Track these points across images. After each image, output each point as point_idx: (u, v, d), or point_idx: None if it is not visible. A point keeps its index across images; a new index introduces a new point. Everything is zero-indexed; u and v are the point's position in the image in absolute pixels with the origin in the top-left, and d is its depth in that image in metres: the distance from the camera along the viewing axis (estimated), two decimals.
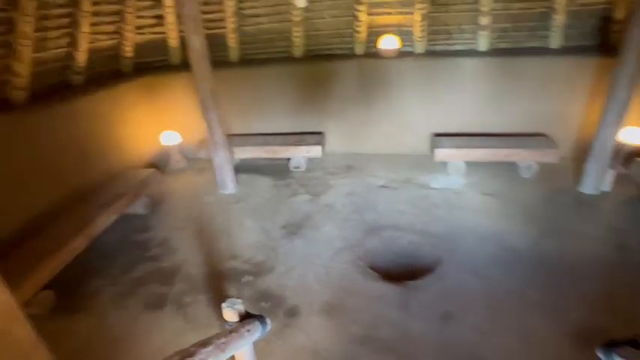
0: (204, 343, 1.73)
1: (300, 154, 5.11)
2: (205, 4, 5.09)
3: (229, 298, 2.04)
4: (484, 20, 4.79)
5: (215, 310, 3.04)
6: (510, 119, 4.94)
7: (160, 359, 1.70)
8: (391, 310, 2.94)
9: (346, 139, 5.52)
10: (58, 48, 4.18)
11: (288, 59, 5.43)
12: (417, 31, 5.02)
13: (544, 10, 4.67)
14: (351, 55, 5.30)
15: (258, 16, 5.27)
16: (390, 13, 5.04)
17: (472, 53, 4.93)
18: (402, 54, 5.10)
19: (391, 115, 5.24)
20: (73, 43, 4.28)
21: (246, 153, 5.20)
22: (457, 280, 3.20)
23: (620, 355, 1.52)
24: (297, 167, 5.19)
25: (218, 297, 3.18)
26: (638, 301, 2.87)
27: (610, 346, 1.57)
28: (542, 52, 4.74)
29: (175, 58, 5.55)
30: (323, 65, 5.18)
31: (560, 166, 4.66)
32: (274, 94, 5.40)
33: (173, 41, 5.41)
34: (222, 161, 4.58)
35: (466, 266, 3.33)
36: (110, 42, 4.89)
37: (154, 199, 4.63)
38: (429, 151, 4.98)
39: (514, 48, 4.95)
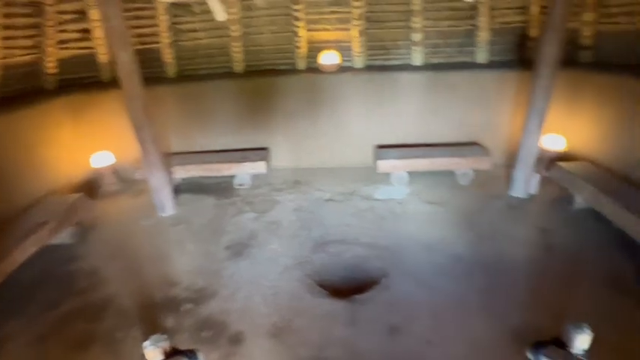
0: None
1: (244, 171, 4.98)
2: (137, 18, 4.87)
3: (155, 334, 1.87)
4: (416, 37, 5.03)
5: None
6: (447, 129, 5.19)
7: None
8: (339, 328, 2.89)
9: (292, 154, 5.48)
10: None
11: (229, 75, 5.31)
12: (356, 47, 5.15)
13: (470, 27, 5.01)
14: (293, 70, 5.31)
15: (195, 31, 5.14)
16: (328, 30, 5.14)
17: (408, 68, 5.15)
18: (342, 69, 5.19)
19: (335, 128, 5.29)
20: None
21: (188, 172, 4.96)
22: (402, 290, 3.22)
23: (546, 355, 1.57)
24: (242, 185, 5.04)
25: (154, 330, 2.93)
26: (564, 296, 3.07)
27: (537, 347, 1.63)
28: (471, 66, 5.07)
29: (106, 74, 5.21)
30: (265, 80, 5.13)
31: (493, 172, 4.95)
32: (216, 111, 5.25)
33: (103, 56, 5.09)
34: (159, 182, 4.32)
35: (411, 276, 3.37)
36: (28, 57, 4.48)
37: (83, 227, 4.23)
38: (373, 163, 5.08)
39: (446, 63, 5.24)
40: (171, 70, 5.31)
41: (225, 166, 4.96)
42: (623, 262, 3.36)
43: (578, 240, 3.70)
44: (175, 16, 4.97)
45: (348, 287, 3.39)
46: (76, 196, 4.21)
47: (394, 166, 4.82)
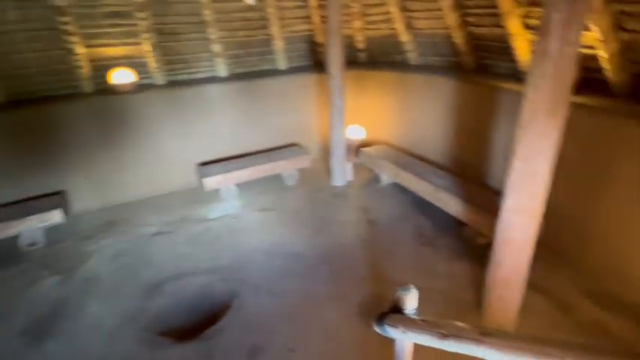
0: None
1: (31, 226, 3.89)
2: None
3: None
4: (216, 48, 4.94)
5: None
6: (264, 136, 5.31)
7: None
8: None
9: (99, 191, 4.59)
10: None
11: None
12: (152, 62, 4.69)
13: (265, 37, 5.23)
14: (78, 95, 4.44)
15: None
16: (114, 45, 4.50)
17: (214, 79, 5.01)
18: (141, 87, 4.65)
19: (148, 153, 4.70)
20: None
21: None
22: (256, 306, 3.09)
23: (389, 325, 1.70)
24: (33, 244, 3.93)
25: None
26: (392, 263, 3.53)
27: (380, 318, 1.74)
28: (274, 73, 5.31)
29: None
30: (40, 110, 4.12)
31: (314, 168, 5.34)
32: None
33: None
34: None
35: (260, 288, 3.28)
36: None
37: None
38: (199, 183, 4.75)
39: (250, 72, 5.34)
40: None
41: (3, 225, 3.77)
42: (423, 220, 4.12)
43: (389, 211, 4.34)
44: None
45: (198, 324, 3.04)
46: None
47: (221, 181, 4.62)
